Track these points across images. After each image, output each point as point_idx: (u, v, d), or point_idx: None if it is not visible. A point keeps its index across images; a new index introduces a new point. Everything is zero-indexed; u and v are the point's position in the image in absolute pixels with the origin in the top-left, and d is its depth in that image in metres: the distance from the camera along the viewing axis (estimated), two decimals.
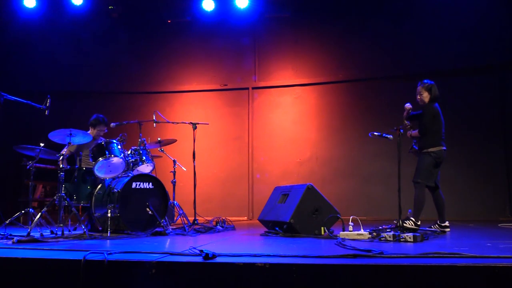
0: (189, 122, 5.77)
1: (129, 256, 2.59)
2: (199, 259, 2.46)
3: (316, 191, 4.27)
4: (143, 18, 8.53)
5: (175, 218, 6.02)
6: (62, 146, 4.65)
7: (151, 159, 5.13)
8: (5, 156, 6.98)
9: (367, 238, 3.71)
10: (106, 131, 5.56)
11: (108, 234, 4.14)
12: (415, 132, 4.69)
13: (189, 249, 2.71)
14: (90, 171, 4.70)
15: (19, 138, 5.91)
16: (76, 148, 5.31)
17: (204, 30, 8.40)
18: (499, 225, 5.40)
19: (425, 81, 4.69)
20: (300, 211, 4.13)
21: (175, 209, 5.84)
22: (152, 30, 8.60)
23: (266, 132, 8.21)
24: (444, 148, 4.57)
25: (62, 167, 4.27)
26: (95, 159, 4.61)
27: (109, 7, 8.05)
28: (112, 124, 5.47)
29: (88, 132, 5.36)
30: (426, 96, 4.63)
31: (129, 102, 8.46)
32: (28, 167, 4.91)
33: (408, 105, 4.60)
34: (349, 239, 3.66)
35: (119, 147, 4.74)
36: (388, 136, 4.57)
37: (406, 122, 4.70)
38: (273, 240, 3.81)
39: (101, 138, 5.45)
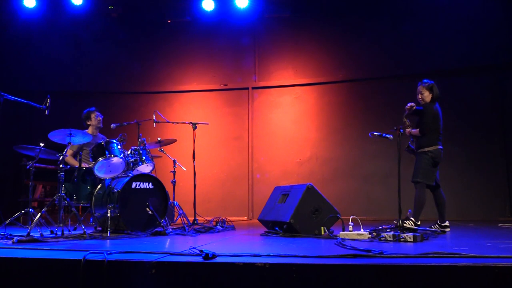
0: (189, 122, 5.78)
1: (129, 256, 2.59)
2: (199, 259, 2.46)
3: (316, 191, 4.27)
4: (143, 18, 8.52)
5: (175, 218, 6.02)
6: (62, 146, 4.64)
7: (151, 159, 5.13)
8: (5, 156, 6.98)
9: (367, 238, 3.71)
10: (101, 116, 5.58)
11: (108, 234, 4.14)
12: (415, 131, 4.68)
13: (189, 249, 2.71)
14: (90, 171, 4.70)
15: (19, 138, 5.91)
16: (78, 148, 5.32)
17: (204, 30, 8.41)
18: (499, 225, 5.40)
19: (425, 80, 4.70)
20: (300, 211, 4.12)
21: (175, 209, 5.84)
22: (152, 30, 8.60)
23: (266, 132, 8.21)
24: (441, 147, 4.59)
25: (62, 167, 4.27)
26: (95, 159, 4.61)
27: (109, 7, 8.05)
28: (112, 125, 5.46)
29: (87, 130, 5.39)
30: (427, 96, 4.64)
31: (129, 102, 8.46)
32: (28, 167, 4.91)
33: (410, 104, 4.59)
34: (349, 239, 3.66)
35: (119, 147, 4.74)
36: (388, 136, 4.57)
37: (406, 120, 4.71)
38: (273, 240, 3.81)
39: (102, 137, 5.45)
